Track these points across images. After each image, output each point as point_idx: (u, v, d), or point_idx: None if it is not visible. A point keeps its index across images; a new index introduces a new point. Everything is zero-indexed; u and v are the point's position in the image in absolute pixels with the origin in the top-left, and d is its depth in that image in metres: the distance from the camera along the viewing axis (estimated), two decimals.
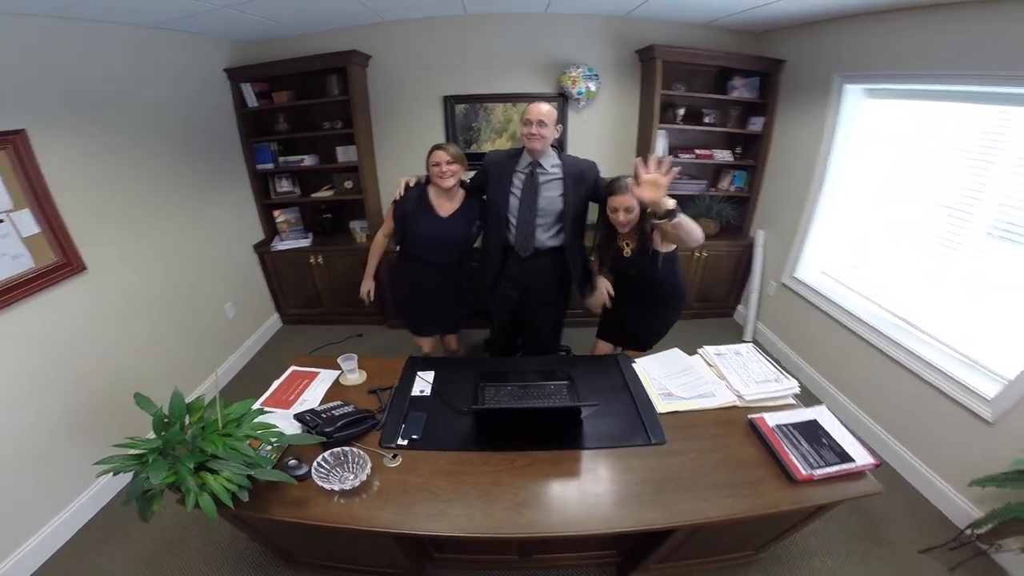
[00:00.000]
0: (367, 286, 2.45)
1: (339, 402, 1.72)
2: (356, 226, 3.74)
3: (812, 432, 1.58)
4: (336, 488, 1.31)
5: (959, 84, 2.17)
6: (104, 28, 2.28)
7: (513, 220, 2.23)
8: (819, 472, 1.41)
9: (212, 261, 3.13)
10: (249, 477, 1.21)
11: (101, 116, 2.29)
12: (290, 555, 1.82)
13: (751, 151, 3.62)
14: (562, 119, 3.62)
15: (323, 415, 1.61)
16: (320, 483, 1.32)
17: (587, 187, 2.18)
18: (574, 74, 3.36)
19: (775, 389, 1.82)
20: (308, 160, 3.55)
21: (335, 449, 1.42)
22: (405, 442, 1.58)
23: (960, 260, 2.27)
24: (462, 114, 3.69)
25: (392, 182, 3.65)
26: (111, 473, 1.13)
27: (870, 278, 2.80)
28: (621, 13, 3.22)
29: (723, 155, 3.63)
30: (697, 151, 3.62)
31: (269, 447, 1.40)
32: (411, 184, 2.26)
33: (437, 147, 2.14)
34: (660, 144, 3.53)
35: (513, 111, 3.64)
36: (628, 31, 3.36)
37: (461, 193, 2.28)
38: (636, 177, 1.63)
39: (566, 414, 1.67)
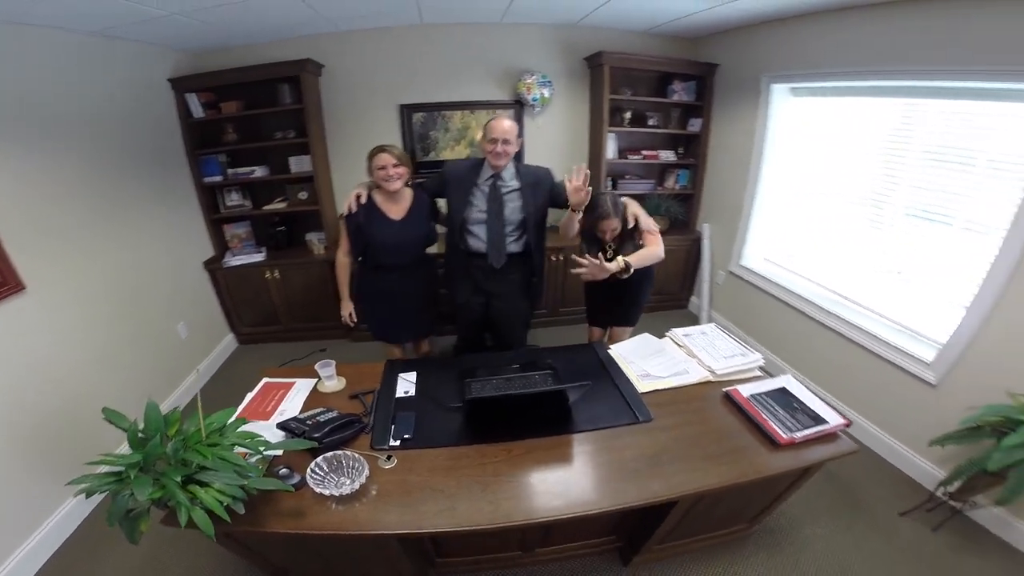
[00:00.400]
0: (347, 308, 2.38)
1: (321, 408, 1.63)
2: (313, 238, 3.60)
3: (784, 399, 1.69)
4: (335, 493, 1.24)
5: (869, 80, 2.44)
6: (39, 33, 2.10)
7: (481, 233, 2.23)
8: (799, 435, 1.51)
9: (161, 279, 2.90)
10: (242, 488, 1.12)
11: (37, 127, 2.10)
12: (285, 573, 1.69)
13: (692, 150, 3.84)
14: (518, 125, 3.69)
15: (308, 422, 1.52)
16: (318, 489, 1.24)
17: (544, 193, 2.23)
18: (529, 81, 3.44)
19: (742, 362, 1.93)
20: (259, 171, 3.39)
21: (328, 454, 1.35)
22: (397, 442, 1.53)
23: (884, 240, 2.53)
24: (419, 122, 3.67)
25: (348, 192, 3.57)
26: (85, 494, 1.01)
27: (809, 261, 3.05)
28: (571, 21, 3.35)
29: (667, 155, 3.84)
30: (644, 152, 3.80)
31: (256, 457, 1.31)
32: (363, 199, 2.17)
33: (380, 149, 2.08)
34: (610, 147, 3.68)
35: (471, 118, 3.67)
36: (578, 39, 3.50)
37: (408, 193, 2.23)
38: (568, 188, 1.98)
39: (555, 400, 1.68)
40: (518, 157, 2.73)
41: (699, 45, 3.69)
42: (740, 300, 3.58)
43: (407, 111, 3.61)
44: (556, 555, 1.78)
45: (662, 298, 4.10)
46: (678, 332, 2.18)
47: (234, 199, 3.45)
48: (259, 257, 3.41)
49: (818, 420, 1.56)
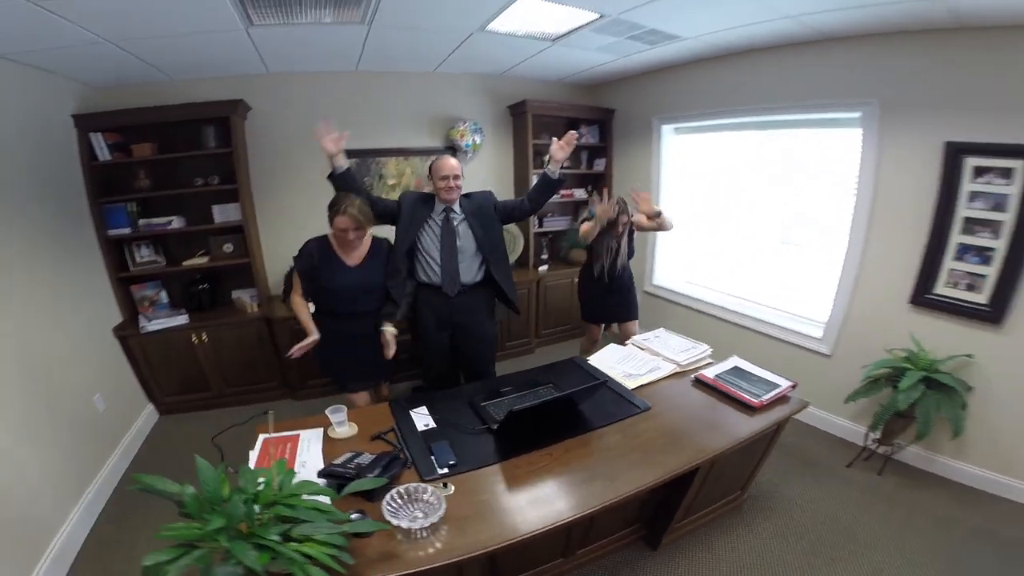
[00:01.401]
0: (314, 336, 2.16)
1: (351, 452, 1.56)
2: (244, 295, 3.27)
3: (741, 374, 2.06)
4: (425, 525, 1.21)
5: (729, 117, 3.15)
6: None
7: (436, 265, 2.31)
8: (765, 398, 1.86)
9: (70, 346, 2.40)
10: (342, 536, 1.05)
11: None
12: None
13: (599, 187, 4.39)
14: None
15: (350, 466, 1.44)
16: (404, 524, 1.20)
17: (489, 215, 2.38)
18: (462, 128, 3.67)
19: (697, 353, 2.30)
20: (176, 222, 3.02)
21: (400, 488, 1.31)
22: (445, 470, 1.52)
23: (765, 245, 3.20)
24: (353, 168, 3.62)
25: (279, 242, 3.39)
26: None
27: (710, 272, 3.67)
28: (498, 72, 3.69)
29: (579, 193, 4.33)
30: (561, 192, 4.23)
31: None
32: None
33: (341, 211, 2.00)
34: None
35: (406, 164, 3.75)
36: (503, 88, 3.86)
37: (367, 238, 2.21)
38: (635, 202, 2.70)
39: (572, 405, 1.83)
40: None
41: (599, 93, 4.27)
42: (658, 313, 4.09)
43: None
44: (592, 555, 1.86)
45: None
46: (637, 339, 2.51)
47: (145, 254, 3.01)
48: (182, 319, 2.98)
49: (773, 386, 1.94)
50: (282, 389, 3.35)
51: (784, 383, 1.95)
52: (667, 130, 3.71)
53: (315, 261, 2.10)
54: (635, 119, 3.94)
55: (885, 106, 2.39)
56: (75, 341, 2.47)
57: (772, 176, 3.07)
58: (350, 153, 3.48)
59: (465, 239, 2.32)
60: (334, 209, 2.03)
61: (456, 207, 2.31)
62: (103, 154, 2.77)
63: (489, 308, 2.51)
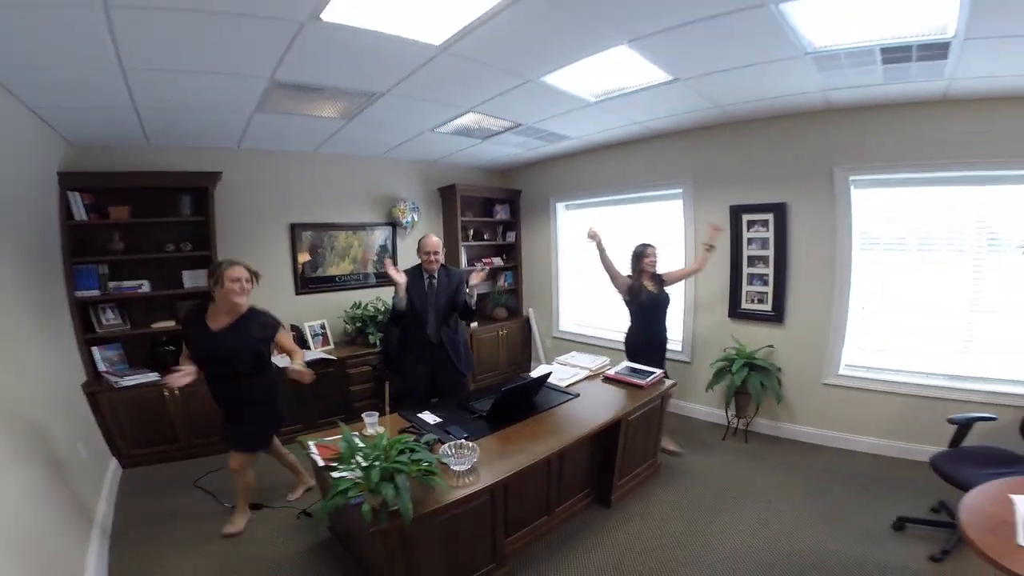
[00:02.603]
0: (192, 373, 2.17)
1: None
2: None
3: (631, 371, 3.07)
4: (468, 466, 1.89)
5: (606, 196, 4.45)
6: None
7: (430, 318, 2.90)
8: (646, 381, 2.88)
9: (47, 397, 2.40)
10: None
11: None
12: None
13: (512, 256, 5.44)
14: (393, 242, 4.57)
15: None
16: (455, 467, 1.87)
17: (456, 286, 2.97)
18: (402, 207, 4.46)
19: (601, 361, 3.32)
20: (145, 286, 3.19)
21: (450, 443, 1.97)
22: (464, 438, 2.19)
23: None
24: (308, 240, 4.11)
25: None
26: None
27: (595, 318, 4.85)
28: (432, 160, 4.62)
29: (498, 261, 5.31)
30: (483, 260, 5.18)
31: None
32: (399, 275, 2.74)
33: (234, 263, 2.15)
34: (463, 257, 4.90)
35: (354, 238, 4.34)
36: (434, 173, 4.77)
37: (242, 310, 2.25)
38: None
39: (534, 392, 2.65)
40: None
41: (510, 176, 5.41)
42: (564, 352, 5.10)
43: (297, 229, 4.04)
44: (564, 514, 2.51)
45: (513, 367, 5.12)
46: (560, 359, 3.46)
47: (110, 317, 3.09)
48: (154, 376, 3.07)
49: (649, 374, 2.99)
50: None
51: (658, 372, 3.01)
52: (560, 207, 4.96)
53: (188, 328, 2.27)
54: (537, 198, 5.12)
55: (697, 183, 3.79)
56: (59, 391, 2.52)
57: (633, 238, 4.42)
58: (305, 226, 4.04)
59: (441, 299, 2.92)
60: (221, 268, 2.16)
61: (438, 275, 2.94)
62: (79, 213, 2.90)
63: (454, 348, 3.01)
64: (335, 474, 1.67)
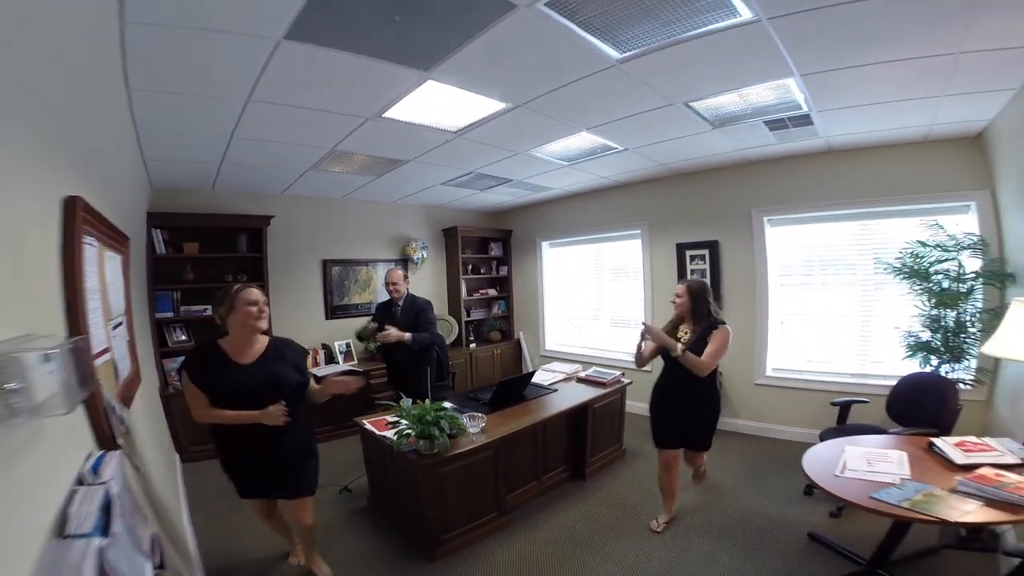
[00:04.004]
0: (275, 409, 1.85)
1: None
2: None
3: (599, 374, 3.77)
4: (479, 429, 2.55)
5: (582, 236, 5.29)
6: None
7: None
8: (608, 379, 3.58)
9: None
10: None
11: None
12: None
13: (505, 288, 6.21)
14: (406, 274, 5.27)
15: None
16: (472, 429, 2.53)
17: (416, 315, 3.29)
18: (414, 245, 5.22)
19: (575, 368, 4.00)
20: (209, 310, 3.81)
21: (467, 413, 2.62)
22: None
23: (603, 328, 5.24)
24: (336, 274, 4.82)
25: (283, 330, 4.17)
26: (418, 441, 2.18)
27: (578, 338, 5.58)
28: (437, 205, 5.44)
29: (492, 291, 6.07)
30: (480, 292, 5.94)
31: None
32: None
33: (247, 285, 1.92)
34: (463, 288, 5.64)
35: (372, 271, 5.07)
36: (438, 216, 5.58)
37: (263, 339, 1.98)
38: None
39: (523, 385, 3.32)
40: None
41: (502, 218, 6.26)
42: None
43: (328, 264, 4.75)
44: (550, 481, 3.13)
45: None
46: (543, 367, 4.14)
47: (178, 335, 3.70)
48: None
49: (610, 375, 3.68)
50: None
51: (616, 373, 3.71)
52: (545, 245, 5.79)
53: (207, 366, 1.86)
54: (526, 237, 5.96)
55: (651, 225, 4.64)
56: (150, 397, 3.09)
57: (590, 273, 5.25)
58: (334, 262, 4.75)
59: (404, 324, 3.23)
60: (232, 292, 1.88)
61: (401, 303, 3.35)
62: (160, 248, 3.58)
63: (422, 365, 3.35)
64: (392, 432, 2.35)
